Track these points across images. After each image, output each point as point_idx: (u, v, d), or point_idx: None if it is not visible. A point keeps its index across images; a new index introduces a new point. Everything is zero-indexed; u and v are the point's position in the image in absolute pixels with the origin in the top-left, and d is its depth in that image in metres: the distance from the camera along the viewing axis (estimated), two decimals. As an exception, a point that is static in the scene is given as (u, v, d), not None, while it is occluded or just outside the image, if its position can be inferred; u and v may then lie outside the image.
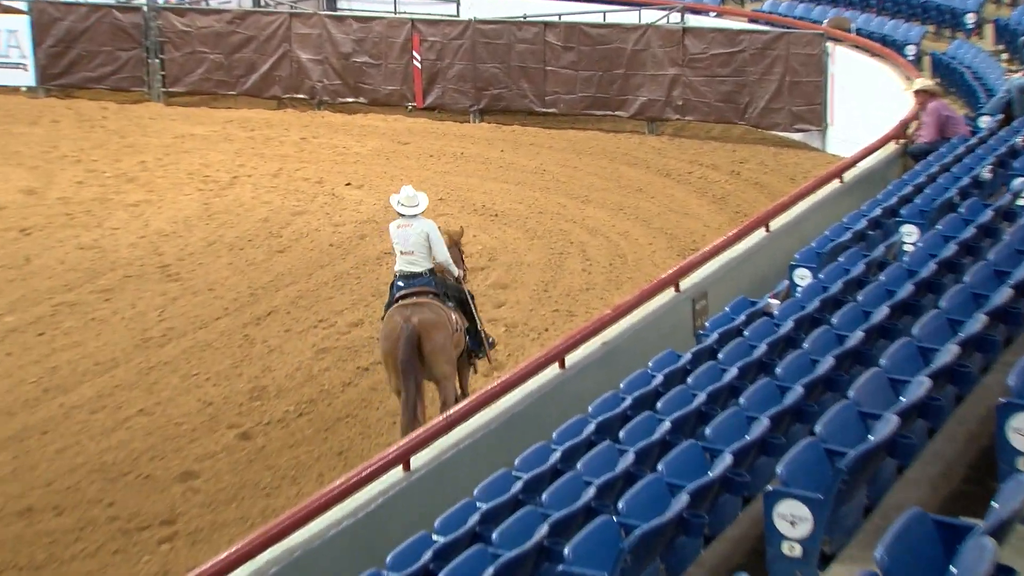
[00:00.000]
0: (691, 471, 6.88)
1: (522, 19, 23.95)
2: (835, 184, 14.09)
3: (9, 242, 17.74)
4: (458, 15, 26.62)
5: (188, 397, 12.91)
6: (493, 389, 9.39)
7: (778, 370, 8.24)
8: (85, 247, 17.47)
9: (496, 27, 23.78)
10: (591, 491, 6.92)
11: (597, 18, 24.35)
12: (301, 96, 25.04)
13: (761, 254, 12.44)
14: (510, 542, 6.50)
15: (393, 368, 11.20)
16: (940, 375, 7.14)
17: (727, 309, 10.52)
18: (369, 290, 15.54)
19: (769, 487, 6.22)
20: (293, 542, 7.74)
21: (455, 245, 12.11)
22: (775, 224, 12.82)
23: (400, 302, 11.31)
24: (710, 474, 6.71)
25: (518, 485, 7.47)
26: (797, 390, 7.59)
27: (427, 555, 6.79)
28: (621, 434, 7.94)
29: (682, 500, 6.33)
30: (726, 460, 6.77)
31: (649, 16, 24.16)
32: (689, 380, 8.70)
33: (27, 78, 25.98)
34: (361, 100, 24.75)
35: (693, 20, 24.42)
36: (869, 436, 6.48)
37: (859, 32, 22.39)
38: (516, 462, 8.07)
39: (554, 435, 8.42)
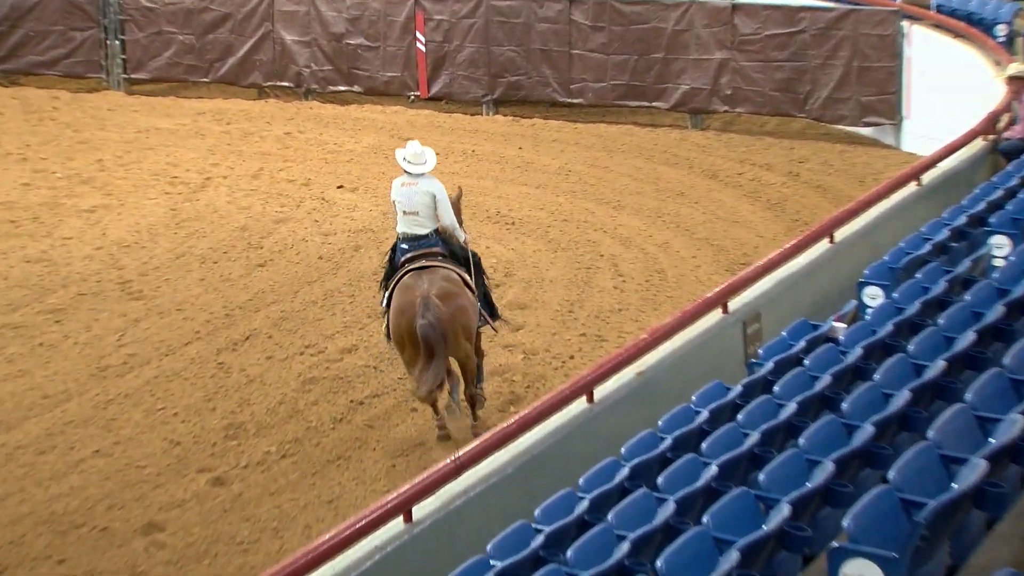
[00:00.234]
0: (742, 524, 6.88)
1: (544, -6, 24.03)
2: (912, 187, 14.08)
3: (-57, 254, 17.84)
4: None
5: (152, 436, 12.93)
6: (509, 427, 9.39)
7: (844, 405, 8.24)
8: (32, 260, 17.54)
9: (513, 3, 23.85)
10: (624, 547, 6.92)
11: (632, -7, 24.44)
12: (285, 84, 25.14)
13: (824, 269, 12.43)
14: (529, 607, 6.52)
15: (410, 342, 11.79)
16: (1036, 412, 7.13)
17: (784, 334, 10.53)
18: (364, 311, 15.57)
19: (834, 543, 6.22)
20: (275, 606, 7.75)
21: (455, 207, 12.82)
22: (840, 234, 12.82)
23: (408, 267, 12.03)
24: (764, 528, 6.70)
25: (539, 540, 7.47)
26: (867, 429, 7.58)
27: (432, 622, 6.81)
28: (660, 480, 7.94)
29: (732, 558, 6.33)
30: (783, 511, 6.76)
31: (692, -10, 24.23)
32: (739, 417, 8.70)
33: (-35, 63, 26.21)
34: (355, 89, 24.83)
35: (744, -5, 24.48)
36: (952, 484, 6.47)
37: (940, 9, 22.40)
38: (536, 513, 8.07)
39: (581, 481, 8.42)
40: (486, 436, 9.51)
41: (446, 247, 12.43)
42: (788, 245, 12.40)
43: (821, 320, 10.80)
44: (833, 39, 21.95)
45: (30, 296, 16.38)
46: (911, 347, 8.95)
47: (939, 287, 10.16)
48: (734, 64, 22.57)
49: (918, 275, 10.76)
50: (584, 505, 7.80)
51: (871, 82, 21.74)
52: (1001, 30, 21.33)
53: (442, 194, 12.37)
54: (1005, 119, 15.58)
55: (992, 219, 11.87)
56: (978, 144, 15.45)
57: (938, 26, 21.44)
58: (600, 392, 10.04)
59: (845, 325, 10.56)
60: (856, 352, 9.20)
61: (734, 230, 18.10)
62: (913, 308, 9.81)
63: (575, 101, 23.69)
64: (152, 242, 18.19)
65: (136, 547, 11.10)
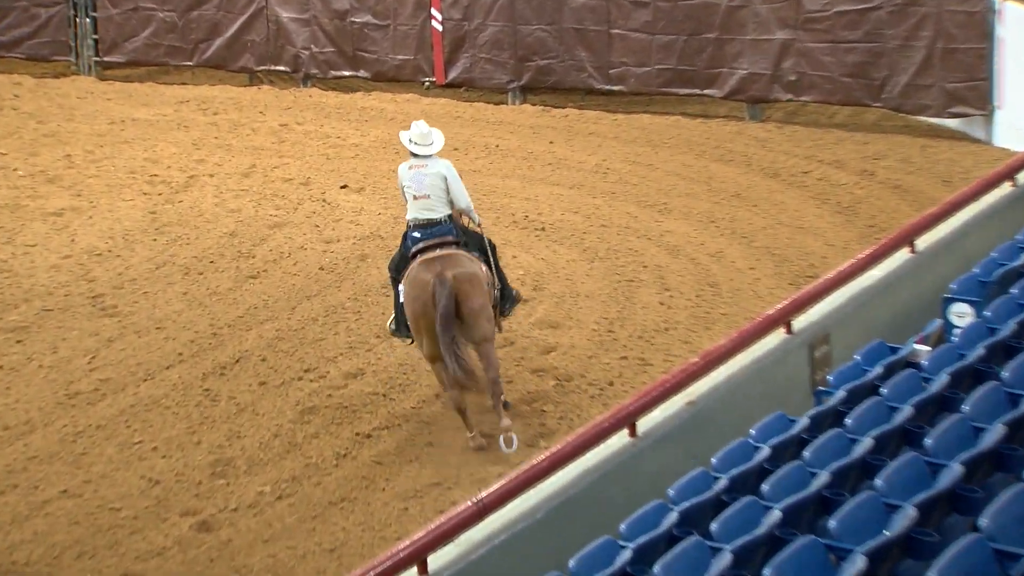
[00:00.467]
0: (810, 578, 6.88)
1: (579, -35, 24.10)
2: (1005, 188, 14.05)
3: None
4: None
5: (128, 473, 12.98)
6: (539, 464, 9.39)
7: (928, 441, 8.22)
8: (-9, 270, 17.68)
9: (544, -23, 23.95)
10: (674, 604, 6.93)
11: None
12: (281, 69, 25.28)
13: (904, 283, 12.42)
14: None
15: (427, 330, 12.61)
16: None
17: (857, 358, 10.51)
18: (372, 329, 15.61)
19: (917, 600, 6.22)
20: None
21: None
22: (922, 242, 12.81)
23: (422, 257, 12.69)
24: (836, 582, 6.71)
25: (574, 595, 7.48)
26: (954, 469, 7.57)
27: None
28: (713, 527, 7.94)
29: (798, 617, 6.34)
30: (857, 563, 6.75)
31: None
32: (806, 454, 8.69)
33: (-85, 44, 26.45)
34: (362, 74, 24.94)
35: (811, -34, 24.50)
36: (1053, 532, 6.46)
37: (1037, -18, 22.38)
38: (571, 564, 8.07)
39: (622, 527, 8.42)
40: (512, 475, 9.51)
41: (461, 235, 13.07)
42: (862, 255, 12.38)
43: (900, 342, 10.78)
44: (914, 16, 21.89)
45: (-12, 312, 16.51)
46: (1005, 374, 8.93)
47: (1037, 304, 10.16)
48: (799, 45, 22.54)
49: (1013, 290, 10.74)
50: (626, 556, 7.80)
51: (958, 66, 21.66)
52: (1109, 6, 21.32)
53: (454, 175, 13.14)
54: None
55: (1099, 225, 11.86)
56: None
57: (1036, 2, 21.43)
58: (644, 424, 10.04)
59: (928, 348, 10.53)
60: (941, 379, 9.18)
61: (799, 237, 18.09)
62: (1007, 328, 9.79)
63: (614, 88, 23.73)
64: (128, 250, 18.27)
65: (109, 602, 11.18)
